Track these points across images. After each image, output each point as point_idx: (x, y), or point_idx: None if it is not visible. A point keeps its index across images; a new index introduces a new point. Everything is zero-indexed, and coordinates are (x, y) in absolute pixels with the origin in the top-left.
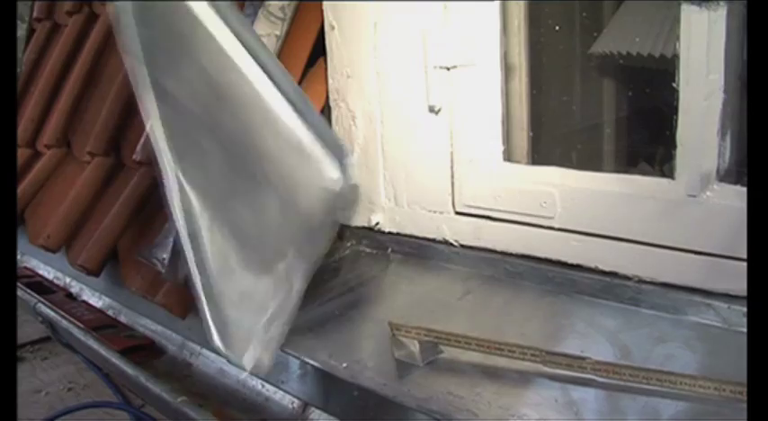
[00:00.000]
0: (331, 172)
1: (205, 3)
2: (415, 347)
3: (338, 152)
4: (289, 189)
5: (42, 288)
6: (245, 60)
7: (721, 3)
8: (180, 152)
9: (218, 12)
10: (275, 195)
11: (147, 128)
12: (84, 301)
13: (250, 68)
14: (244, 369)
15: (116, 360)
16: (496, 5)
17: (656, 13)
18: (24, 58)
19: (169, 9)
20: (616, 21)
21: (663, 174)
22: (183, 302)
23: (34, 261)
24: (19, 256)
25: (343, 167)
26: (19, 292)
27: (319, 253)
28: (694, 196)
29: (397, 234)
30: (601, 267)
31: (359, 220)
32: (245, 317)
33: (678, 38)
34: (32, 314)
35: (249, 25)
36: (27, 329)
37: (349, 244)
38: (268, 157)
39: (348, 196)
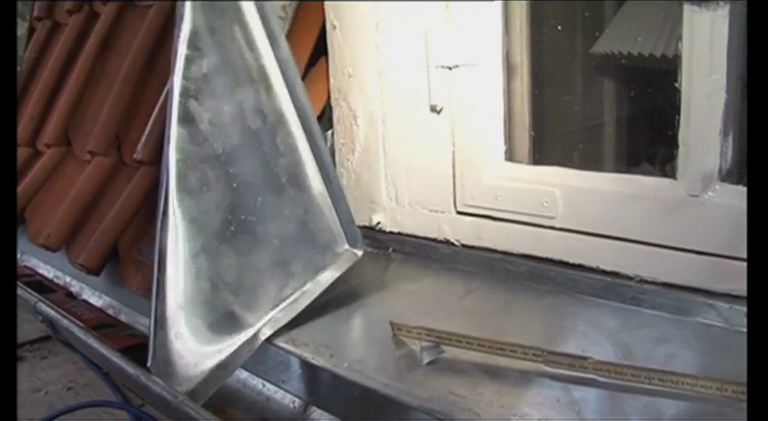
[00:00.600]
0: (341, 246)
1: (267, 42)
2: (416, 347)
3: (349, 227)
4: (285, 251)
5: (42, 287)
6: (289, 107)
7: (722, 2)
8: (182, 177)
9: (278, 58)
10: (268, 252)
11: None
12: (84, 300)
13: (292, 117)
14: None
15: (116, 359)
16: (498, 5)
17: (657, 13)
18: (25, 56)
19: (229, 37)
20: (618, 21)
21: (664, 174)
22: None
23: (34, 260)
24: (19, 255)
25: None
26: (19, 291)
27: (296, 312)
28: (696, 196)
29: (399, 233)
30: (602, 267)
31: (360, 220)
32: (192, 355)
33: (680, 38)
34: (32, 313)
35: (297, 73)
36: (26, 328)
37: None
38: (275, 214)
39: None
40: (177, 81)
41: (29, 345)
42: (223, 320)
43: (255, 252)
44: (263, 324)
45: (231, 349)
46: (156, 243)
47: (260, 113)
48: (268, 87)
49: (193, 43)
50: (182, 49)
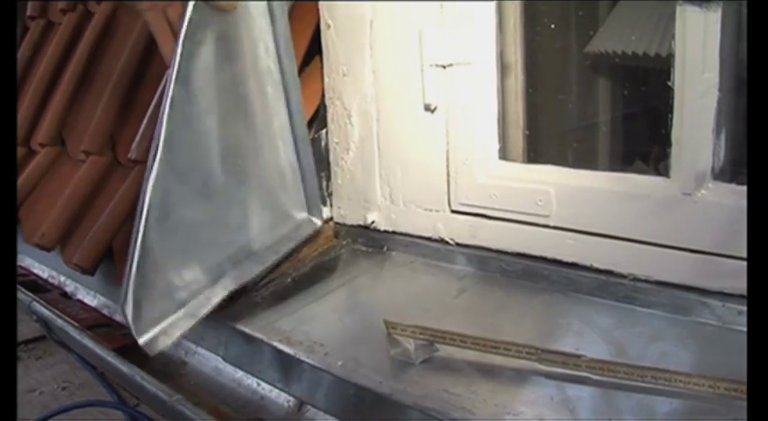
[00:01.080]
0: (300, 213)
1: (265, 17)
2: (410, 345)
3: (314, 198)
4: (255, 208)
5: (37, 287)
6: (277, 86)
7: (714, 2)
8: (174, 131)
9: (274, 29)
10: (241, 208)
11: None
12: (78, 300)
13: (277, 93)
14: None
15: (111, 359)
16: (492, 4)
17: (651, 12)
18: (18, 56)
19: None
20: (612, 20)
21: (658, 173)
22: None
23: (29, 260)
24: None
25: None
26: None
27: (253, 275)
28: (689, 195)
29: (393, 232)
30: (596, 265)
31: (354, 219)
32: (161, 301)
33: (673, 37)
34: (27, 313)
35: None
36: (21, 328)
37: (345, 242)
38: (255, 173)
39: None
40: (179, 47)
41: (23, 346)
42: (188, 272)
43: (225, 212)
44: (218, 283)
45: (195, 301)
46: (142, 193)
47: (245, 84)
48: (256, 60)
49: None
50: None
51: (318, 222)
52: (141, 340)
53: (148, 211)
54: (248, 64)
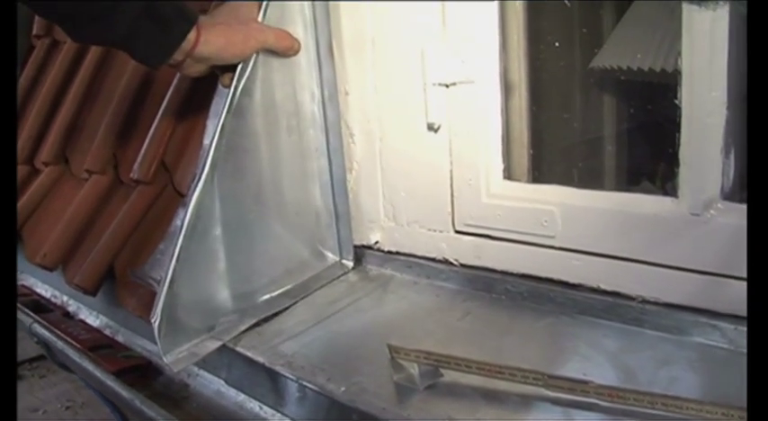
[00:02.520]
0: (333, 255)
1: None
2: (414, 370)
3: (347, 242)
4: (289, 244)
5: (39, 307)
6: (319, 130)
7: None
8: (219, 159)
9: (321, 77)
10: (276, 242)
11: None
12: (81, 320)
13: (319, 137)
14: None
15: (110, 382)
16: (495, 22)
17: (656, 28)
18: (23, 74)
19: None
20: (616, 35)
21: (665, 193)
22: None
23: (32, 279)
24: (17, 273)
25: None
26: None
27: (281, 308)
28: (698, 215)
29: (397, 253)
30: (603, 287)
31: (358, 239)
32: (191, 322)
33: (679, 54)
34: (29, 333)
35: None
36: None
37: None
38: (292, 211)
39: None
40: (235, 81)
41: (27, 364)
42: (219, 297)
43: (260, 244)
44: (247, 313)
45: (217, 328)
46: (184, 213)
47: (289, 124)
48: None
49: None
50: None
51: (350, 265)
52: (168, 359)
53: (187, 232)
54: (294, 106)
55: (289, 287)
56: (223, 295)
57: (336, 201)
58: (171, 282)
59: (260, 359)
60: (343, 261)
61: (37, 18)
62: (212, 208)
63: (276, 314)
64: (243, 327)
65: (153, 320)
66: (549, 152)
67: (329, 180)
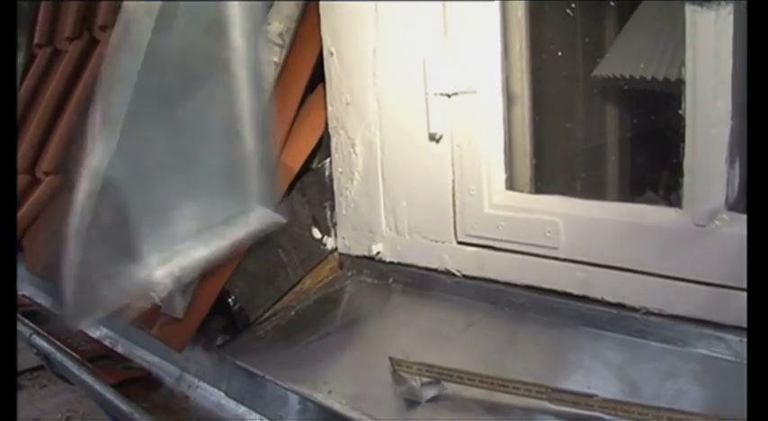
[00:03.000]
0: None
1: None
2: (416, 383)
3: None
4: (207, 194)
5: (40, 317)
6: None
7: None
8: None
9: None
10: (194, 189)
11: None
12: (81, 331)
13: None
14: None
15: (110, 395)
16: (497, 31)
17: (659, 35)
18: (25, 84)
19: None
20: (619, 44)
21: (670, 204)
22: (180, 335)
23: (32, 288)
24: (17, 284)
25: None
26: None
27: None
28: (703, 226)
29: (399, 264)
30: (607, 299)
31: (359, 249)
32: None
33: (683, 62)
34: (29, 344)
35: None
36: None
37: (349, 273)
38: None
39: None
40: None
41: (27, 374)
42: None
43: (184, 189)
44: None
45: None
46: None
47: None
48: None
49: None
50: None
51: (270, 216)
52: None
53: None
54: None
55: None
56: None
57: (261, 145)
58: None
59: (260, 371)
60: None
61: (38, 26)
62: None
63: (277, 326)
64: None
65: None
66: (551, 162)
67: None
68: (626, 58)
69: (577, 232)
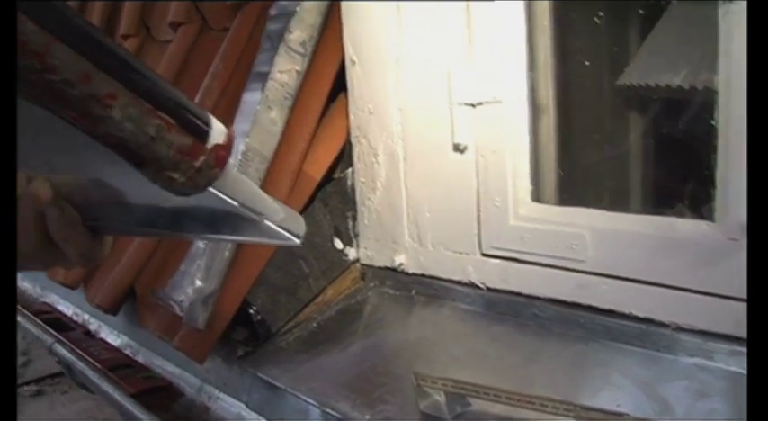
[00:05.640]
0: None
1: None
2: (441, 399)
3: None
4: None
5: (61, 324)
6: None
7: None
8: None
9: None
10: None
11: None
12: (102, 339)
13: None
14: None
15: (130, 405)
16: (522, 40)
17: (689, 39)
18: None
19: None
20: (646, 49)
21: (701, 217)
22: (201, 347)
23: (54, 296)
24: (39, 291)
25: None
26: (36, 330)
27: None
28: (735, 240)
29: (422, 275)
30: (635, 313)
31: (381, 260)
32: None
33: (716, 73)
34: (50, 353)
35: None
36: (46, 362)
37: (372, 284)
38: None
39: None
40: None
41: (49, 380)
42: None
43: None
44: None
45: None
46: None
47: None
48: None
49: None
50: None
51: None
52: None
53: None
54: None
55: None
56: None
57: None
58: None
59: (281, 383)
60: None
61: None
62: None
63: (298, 337)
64: None
65: None
66: (578, 174)
67: None
68: (653, 66)
69: (604, 245)
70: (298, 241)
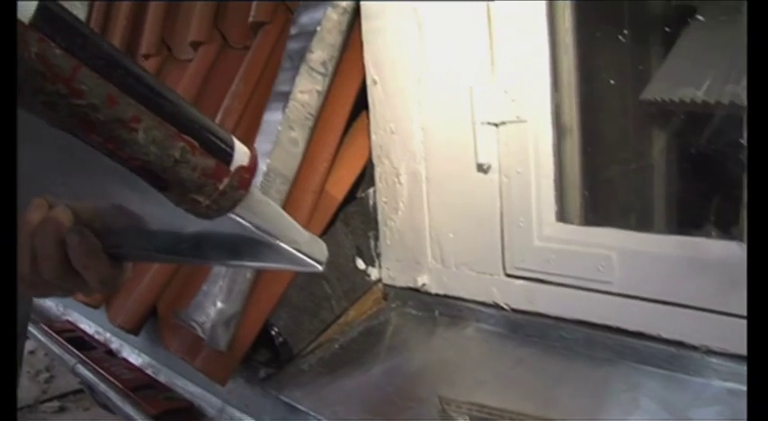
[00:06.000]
0: None
1: None
2: None
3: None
4: None
5: (83, 343)
6: None
7: None
8: None
9: None
10: None
11: None
12: (123, 359)
13: None
14: None
15: None
16: (546, 59)
17: (712, 54)
18: None
19: None
20: (672, 61)
21: (731, 237)
22: (223, 369)
23: (76, 314)
24: (62, 309)
25: None
26: (59, 349)
27: None
28: None
29: (445, 296)
30: (664, 335)
31: (404, 281)
32: None
33: (743, 86)
34: (72, 373)
35: None
36: (69, 379)
37: (394, 305)
38: None
39: None
40: None
41: (71, 396)
42: None
43: None
44: None
45: None
46: None
47: None
48: None
49: None
50: None
51: None
52: None
53: None
54: None
55: None
56: None
57: None
58: None
59: (304, 406)
60: None
61: None
62: None
63: (321, 359)
64: None
65: None
66: (603, 193)
67: None
68: (676, 80)
69: (632, 266)
70: (320, 267)
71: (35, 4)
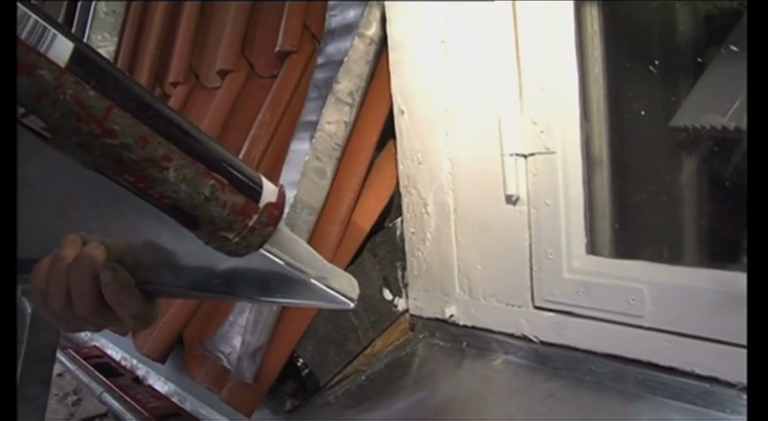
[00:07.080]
0: None
1: None
2: None
3: None
4: None
5: (110, 370)
6: None
7: None
8: None
9: None
10: None
11: None
12: (149, 386)
13: None
14: None
15: None
16: (576, 90)
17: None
18: None
19: None
20: (697, 90)
21: None
22: (249, 401)
23: (103, 340)
24: (89, 335)
25: None
26: (86, 376)
27: None
28: None
29: (473, 327)
30: (698, 371)
31: (431, 312)
32: None
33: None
34: (98, 401)
35: None
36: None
37: (421, 336)
38: None
39: None
40: None
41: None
42: None
43: None
44: None
45: None
46: None
47: None
48: None
49: None
50: None
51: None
52: None
53: None
54: None
55: None
56: None
57: None
58: None
59: None
60: None
61: None
62: None
63: (347, 391)
64: None
65: None
66: (634, 225)
67: None
68: (702, 106)
69: (664, 300)
70: (352, 304)
71: (71, 47)
